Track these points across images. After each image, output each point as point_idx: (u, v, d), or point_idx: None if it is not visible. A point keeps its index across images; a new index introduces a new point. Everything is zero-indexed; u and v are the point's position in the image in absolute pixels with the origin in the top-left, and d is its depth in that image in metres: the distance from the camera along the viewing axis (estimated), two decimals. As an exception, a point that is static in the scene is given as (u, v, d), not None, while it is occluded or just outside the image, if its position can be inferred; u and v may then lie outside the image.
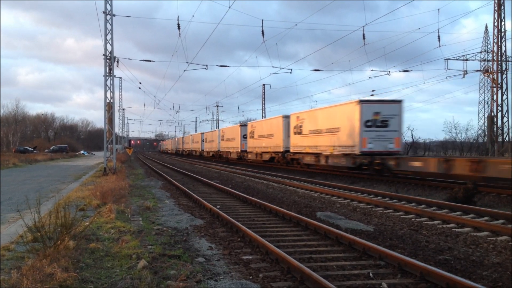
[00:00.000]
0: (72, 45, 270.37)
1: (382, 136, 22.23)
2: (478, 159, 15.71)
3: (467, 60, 38.64)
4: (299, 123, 30.20)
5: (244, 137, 44.46)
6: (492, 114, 35.22)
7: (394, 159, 20.12)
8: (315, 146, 27.63)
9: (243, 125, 46.28)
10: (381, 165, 21.05)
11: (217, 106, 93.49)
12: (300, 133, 30.05)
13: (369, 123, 22.14)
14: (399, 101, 22.85)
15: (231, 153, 48.70)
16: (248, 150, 42.95)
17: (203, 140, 67.38)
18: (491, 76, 35.93)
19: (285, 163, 33.66)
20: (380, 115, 22.24)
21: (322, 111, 27.59)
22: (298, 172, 29.14)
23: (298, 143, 30.46)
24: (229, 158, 49.93)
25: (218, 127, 77.78)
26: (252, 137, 41.09)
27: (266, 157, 37.08)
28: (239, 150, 45.28)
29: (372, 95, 35.21)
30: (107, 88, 26.33)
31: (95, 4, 77.12)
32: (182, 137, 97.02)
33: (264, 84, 67.01)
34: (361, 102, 22.37)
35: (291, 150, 31.60)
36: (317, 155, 27.11)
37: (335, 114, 25.24)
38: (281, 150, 33.69)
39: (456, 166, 16.38)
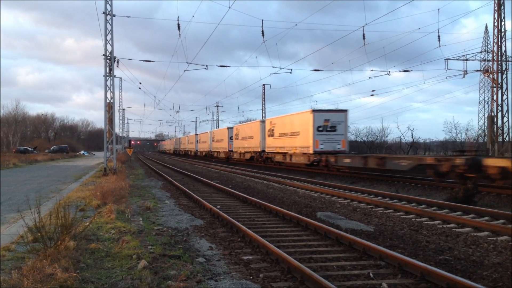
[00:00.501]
0: (72, 45, 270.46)
1: (331, 138, 27.25)
2: (381, 156, 20.49)
3: (467, 60, 38.62)
4: (272, 127, 35.14)
5: (231, 138, 49.10)
6: (492, 114, 35.19)
7: (334, 157, 24.96)
8: (283, 147, 32.52)
9: (230, 128, 51.31)
10: (326, 162, 25.90)
11: (217, 106, 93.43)
12: (272, 135, 35.00)
13: (320, 128, 27.18)
14: (345, 111, 27.94)
15: (220, 153, 54.20)
16: (234, 150, 48.04)
17: (197, 141, 71.07)
18: (491, 76, 35.90)
19: (262, 161, 38.40)
20: (329, 122, 27.27)
21: (288, 118, 32.32)
22: (297, 172, 29.23)
23: (271, 144, 35.46)
24: (219, 158, 54.75)
25: (218, 127, 78.78)
26: (237, 139, 46.36)
27: (248, 156, 42.12)
28: (227, 150, 49.96)
29: (372, 95, 36.05)
30: (107, 88, 26.33)
31: (95, 4, 77.20)
32: (179, 138, 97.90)
33: (264, 84, 66.96)
34: (314, 111, 27.60)
35: (266, 150, 36.73)
36: (284, 154, 32.00)
37: (296, 121, 30.15)
38: (259, 150, 38.54)
39: (369, 162, 20.94)
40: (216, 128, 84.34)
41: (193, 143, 73.85)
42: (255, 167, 36.97)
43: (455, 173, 15.10)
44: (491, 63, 37.39)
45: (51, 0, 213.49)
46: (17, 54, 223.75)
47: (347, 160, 23.40)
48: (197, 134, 73.77)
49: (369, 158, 21.20)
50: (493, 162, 13.94)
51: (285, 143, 31.76)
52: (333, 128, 27.24)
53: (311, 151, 27.27)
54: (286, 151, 31.54)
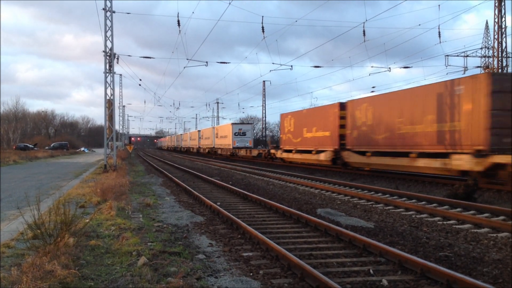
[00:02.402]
0: (71, 42, 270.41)
1: (243, 139, 49.64)
2: (250, 150, 43.20)
3: (467, 56, 38.67)
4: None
5: (235, 134, 50.61)
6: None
7: (239, 150, 48.49)
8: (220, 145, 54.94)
9: (235, 124, 52.63)
10: (236, 153, 48.95)
11: (218, 103, 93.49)
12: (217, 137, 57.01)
13: (236, 134, 49.61)
14: (251, 123, 54.70)
15: (224, 150, 54.24)
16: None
17: (199, 137, 69.23)
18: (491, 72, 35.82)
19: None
20: (241, 130, 50.06)
21: (222, 127, 56.22)
22: (298, 168, 29.23)
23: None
24: (223, 155, 54.17)
25: (219, 124, 78.74)
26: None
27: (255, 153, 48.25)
28: (231, 147, 50.67)
29: (372, 91, 36.31)
30: (107, 85, 26.29)
31: (95, 0, 76.86)
32: (181, 134, 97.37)
33: (264, 81, 67.00)
34: (232, 124, 50.86)
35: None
36: (220, 149, 55.10)
37: (225, 129, 53.22)
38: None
39: (242, 153, 45.29)
40: (217, 124, 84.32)
41: (196, 140, 72.38)
42: (255, 163, 36.97)
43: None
44: (491, 59, 37.34)
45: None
46: (16, 51, 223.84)
47: (242, 152, 47.56)
48: (199, 130, 72.21)
49: (247, 150, 46.42)
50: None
51: (218, 143, 56.42)
52: (244, 133, 49.96)
53: (231, 147, 49.79)
54: (222, 147, 54.19)
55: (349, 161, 24.10)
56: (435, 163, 17.16)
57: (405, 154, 18.79)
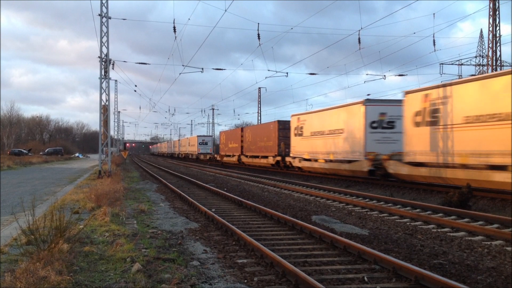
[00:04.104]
0: (65, 47, 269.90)
1: (205, 147, 64.64)
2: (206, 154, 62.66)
3: (462, 64, 38.90)
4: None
5: (200, 144, 66.50)
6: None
7: (200, 155, 64.77)
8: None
9: (199, 136, 68.85)
10: (197, 158, 65.48)
11: (213, 109, 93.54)
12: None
13: (200, 143, 64.94)
14: (211, 136, 73.99)
15: (193, 155, 70.93)
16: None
17: (199, 143, 69.27)
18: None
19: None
20: (204, 141, 65.72)
21: (192, 138, 71.32)
22: (294, 175, 29.24)
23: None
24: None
25: (214, 131, 79.40)
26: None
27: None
28: (197, 153, 66.54)
29: (367, 99, 36.32)
30: (103, 90, 26.26)
31: (91, 6, 77.02)
32: (179, 140, 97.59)
33: (260, 88, 67.08)
34: (198, 136, 66.71)
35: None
36: (191, 154, 71.60)
37: (194, 139, 68.12)
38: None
39: (201, 157, 65.10)
40: (212, 131, 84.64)
41: (195, 146, 71.86)
42: (250, 170, 36.97)
43: None
44: (486, 67, 37.59)
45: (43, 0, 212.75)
46: (10, 55, 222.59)
47: (202, 157, 63.47)
48: (179, 140, 76.69)
49: (201, 156, 64.89)
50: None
51: (189, 150, 73.20)
52: (205, 142, 65.61)
53: (196, 153, 65.48)
54: (190, 153, 72.42)
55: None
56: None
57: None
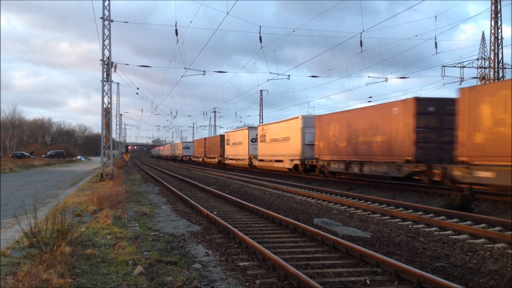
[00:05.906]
0: (66, 49, 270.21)
1: (188, 150, 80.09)
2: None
3: (464, 67, 38.87)
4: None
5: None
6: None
7: (186, 157, 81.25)
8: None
9: (183, 141, 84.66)
10: (183, 159, 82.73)
11: (215, 111, 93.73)
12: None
13: (185, 147, 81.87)
14: (192, 142, 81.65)
15: (179, 156, 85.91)
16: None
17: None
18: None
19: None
20: (187, 146, 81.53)
21: (178, 143, 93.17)
22: (295, 178, 29.24)
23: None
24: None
25: (215, 133, 79.90)
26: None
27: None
28: (181, 155, 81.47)
29: (369, 101, 36.56)
30: (105, 93, 26.31)
31: (93, 9, 77.12)
32: (182, 143, 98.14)
33: (261, 90, 67.19)
34: (182, 142, 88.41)
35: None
36: (178, 156, 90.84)
37: (179, 144, 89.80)
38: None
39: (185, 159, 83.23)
40: (214, 133, 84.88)
41: (169, 150, 77.98)
42: (252, 172, 36.97)
43: None
44: (488, 70, 37.56)
45: (44, 0, 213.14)
46: (11, 58, 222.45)
47: (185, 158, 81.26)
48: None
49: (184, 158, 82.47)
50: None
51: (177, 153, 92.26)
52: (188, 147, 79.52)
53: (181, 155, 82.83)
54: (178, 155, 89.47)
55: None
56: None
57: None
